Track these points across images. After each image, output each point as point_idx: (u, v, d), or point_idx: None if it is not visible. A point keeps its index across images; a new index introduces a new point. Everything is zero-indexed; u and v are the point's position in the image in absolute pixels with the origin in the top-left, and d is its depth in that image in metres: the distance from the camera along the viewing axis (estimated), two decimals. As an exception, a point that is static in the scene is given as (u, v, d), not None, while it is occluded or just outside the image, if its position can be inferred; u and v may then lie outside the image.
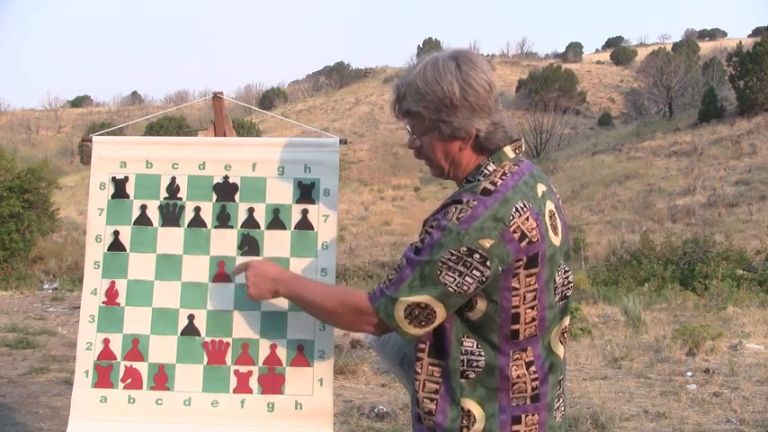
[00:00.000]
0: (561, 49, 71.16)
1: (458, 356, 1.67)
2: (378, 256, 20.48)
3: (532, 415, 1.70)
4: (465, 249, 1.58)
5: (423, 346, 1.72)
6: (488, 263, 1.59)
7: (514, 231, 1.60)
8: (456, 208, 1.62)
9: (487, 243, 1.58)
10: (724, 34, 74.04)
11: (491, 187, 1.64)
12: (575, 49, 68.92)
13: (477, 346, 1.67)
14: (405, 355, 1.89)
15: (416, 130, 1.76)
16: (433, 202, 30.21)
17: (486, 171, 1.70)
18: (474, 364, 1.67)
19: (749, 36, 55.92)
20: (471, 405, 1.67)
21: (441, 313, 1.64)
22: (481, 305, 1.65)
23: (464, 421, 1.67)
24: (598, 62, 65.90)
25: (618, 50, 67.76)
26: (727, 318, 9.27)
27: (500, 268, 1.60)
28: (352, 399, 5.67)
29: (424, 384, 1.71)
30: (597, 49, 79.29)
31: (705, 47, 61.26)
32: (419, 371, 1.71)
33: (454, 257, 1.59)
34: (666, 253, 14.76)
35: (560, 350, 1.79)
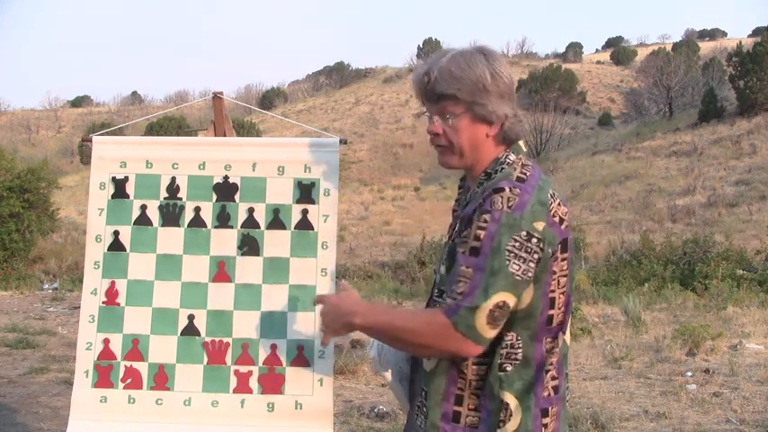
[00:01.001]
0: (561, 49, 71.15)
1: (498, 350, 1.68)
2: (378, 256, 20.47)
3: (553, 407, 1.74)
4: (525, 234, 1.62)
5: None
6: (542, 245, 1.64)
7: (554, 215, 1.68)
8: (501, 197, 1.63)
9: (540, 226, 1.63)
10: (724, 34, 73.99)
11: (523, 176, 1.70)
12: (575, 49, 68.88)
13: (516, 338, 1.69)
14: (400, 369, 1.88)
15: (447, 111, 1.74)
16: (433, 202, 30.23)
17: (508, 160, 1.75)
18: (512, 357, 1.69)
19: (749, 36, 55.88)
20: (509, 398, 1.69)
21: (512, 306, 1.64)
22: (529, 292, 1.66)
23: (502, 414, 1.68)
24: (598, 62, 65.86)
25: (618, 50, 67.71)
26: (727, 318, 9.27)
27: (549, 250, 1.66)
28: (352, 399, 5.67)
29: (470, 383, 1.71)
30: (597, 49, 79.25)
31: (705, 47, 61.22)
32: (464, 370, 1.70)
33: (517, 244, 1.61)
34: (666, 253, 14.75)
35: (569, 341, 1.85)
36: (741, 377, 6.10)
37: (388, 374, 1.87)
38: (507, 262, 1.60)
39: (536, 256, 1.62)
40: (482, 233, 1.61)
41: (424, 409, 1.75)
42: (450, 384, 1.71)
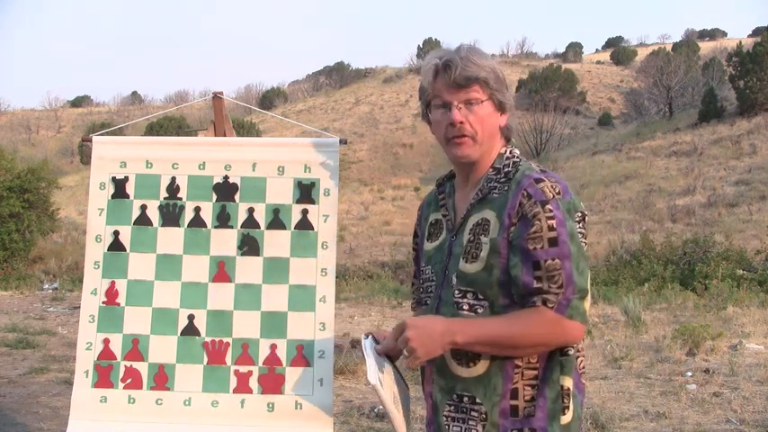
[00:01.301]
0: (561, 49, 71.12)
1: None
2: (378, 256, 20.46)
3: (583, 394, 1.79)
4: (580, 215, 1.72)
5: None
6: (586, 222, 1.75)
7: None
8: (546, 186, 1.68)
9: (582, 205, 1.74)
10: (724, 34, 73.96)
11: (543, 168, 1.77)
12: (575, 49, 68.87)
13: None
14: (395, 395, 1.83)
15: (473, 97, 1.75)
16: (433, 202, 30.11)
17: (515, 155, 1.80)
18: None
19: (749, 36, 55.85)
20: (568, 382, 1.71)
21: None
22: None
23: (565, 401, 1.69)
24: (598, 62, 65.84)
25: (618, 50, 67.70)
26: (727, 318, 9.26)
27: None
28: (352, 399, 5.67)
29: (524, 373, 1.70)
30: (597, 49, 79.23)
31: (705, 47, 61.20)
32: (519, 363, 1.69)
33: (579, 225, 1.71)
34: (666, 253, 14.74)
35: None
36: (741, 377, 6.10)
37: (390, 400, 1.77)
38: (583, 244, 1.70)
39: (585, 232, 1.73)
40: (553, 222, 1.64)
41: (476, 413, 1.71)
42: (507, 381, 1.69)
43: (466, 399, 1.72)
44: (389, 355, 1.84)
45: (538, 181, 1.69)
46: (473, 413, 1.71)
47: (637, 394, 5.78)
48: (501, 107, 1.79)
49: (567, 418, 1.69)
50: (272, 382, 2.73)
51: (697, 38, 70.31)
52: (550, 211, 1.65)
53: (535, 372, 1.69)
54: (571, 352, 1.71)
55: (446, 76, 1.74)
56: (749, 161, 26.95)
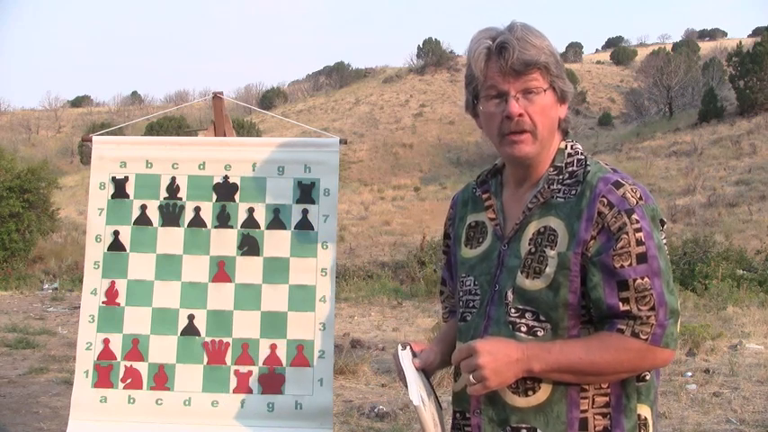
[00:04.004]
0: (561, 49, 70.71)
1: None
2: (378, 256, 20.45)
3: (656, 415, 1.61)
4: (660, 222, 1.52)
5: None
6: (664, 230, 1.56)
7: None
8: (627, 189, 1.47)
9: (660, 210, 1.54)
10: (724, 34, 73.98)
11: (608, 166, 1.57)
12: (575, 49, 68.90)
13: None
14: (435, 418, 1.61)
15: (533, 86, 1.50)
16: (433, 202, 30.18)
17: (579, 152, 1.59)
18: None
19: (749, 36, 55.84)
20: (645, 411, 1.52)
21: None
22: None
23: (642, 431, 1.51)
24: (598, 62, 65.86)
25: (618, 50, 67.72)
26: (727, 318, 9.26)
27: None
28: (352, 399, 5.67)
29: (594, 400, 1.49)
30: (597, 49, 79.25)
31: (705, 47, 61.21)
32: (587, 387, 1.49)
33: (662, 235, 1.52)
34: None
35: None
36: (741, 377, 6.10)
37: (431, 424, 1.58)
38: (667, 255, 1.50)
39: (667, 242, 1.55)
40: (641, 235, 1.44)
41: None
42: (573, 408, 1.49)
43: (525, 430, 1.51)
44: (424, 370, 1.66)
45: (617, 185, 1.47)
46: None
47: (637, 394, 5.78)
48: (563, 96, 1.54)
49: None
50: (272, 382, 2.73)
51: (697, 38, 70.35)
52: (637, 221, 1.44)
53: (606, 398, 1.49)
54: (648, 377, 1.51)
55: (501, 61, 1.48)
56: (749, 161, 26.97)
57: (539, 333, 1.50)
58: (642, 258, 1.44)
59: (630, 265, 1.43)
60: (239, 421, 2.71)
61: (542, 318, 1.50)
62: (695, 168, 27.30)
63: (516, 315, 1.52)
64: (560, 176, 1.54)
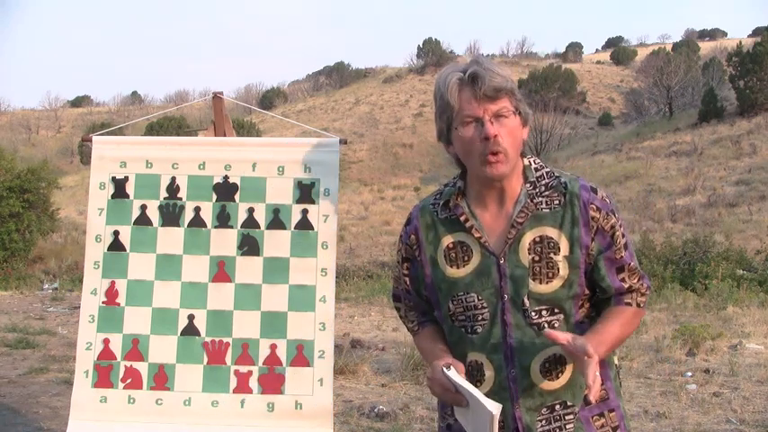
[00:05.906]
0: (561, 49, 71.15)
1: None
2: (378, 256, 20.45)
3: None
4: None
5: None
6: None
7: None
8: (601, 193, 1.76)
9: None
10: (724, 34, 74.00)
11: (569, 173, 1.82)
12: (575, 49, 68.95)
13: None
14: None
15: (503, 109, 1.68)
16: (433, 202, 30.10)
17: (543, 166, 1.79)
18: None
19: (749, 36, 55.84)
20: (616, 359, 1.87)
21: None
22: None
23: (620, 376, 1.88)
24: (598, 62, 65.87)
25: (618, 50, 67.73)
26: (727, 318, 9.25)
27: None
28: (352, 399, 5.67)
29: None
30: (597, 49, 79.28)
31: (705, 47, 61.21)
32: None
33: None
34: (666, 253, 14.73)
35: None
36: (741, 377, 6.10)
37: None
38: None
39: None
40: (622, 228, 1.76)
41: (570, 415, 1.74)
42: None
43: (558, 406, 1.74)
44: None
45: (594, 191, 1.75)
46: (567, 416, 1.75)
47: (637, 394, 5.77)
48: (525, 119, 1.73)
49: (621, 390, 1.85)
50: (272, 382, 2.73)
51: (697, 38, 70.37)
52: (617, 218, 1.75)
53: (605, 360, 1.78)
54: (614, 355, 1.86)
55: (475, 88, 1.65)
56: (749, 161, 26.96)
57: (555, 324, 1.73)
58: (627, 246, 1.77)
59: (624, 253, 1.76)
60: (239, 421, 2.71)
61: (556, 310, 1.73)
62: (695, 168, 27.30)
63: (536, 317, 1.72)
64: (536, 190, 1.74)
